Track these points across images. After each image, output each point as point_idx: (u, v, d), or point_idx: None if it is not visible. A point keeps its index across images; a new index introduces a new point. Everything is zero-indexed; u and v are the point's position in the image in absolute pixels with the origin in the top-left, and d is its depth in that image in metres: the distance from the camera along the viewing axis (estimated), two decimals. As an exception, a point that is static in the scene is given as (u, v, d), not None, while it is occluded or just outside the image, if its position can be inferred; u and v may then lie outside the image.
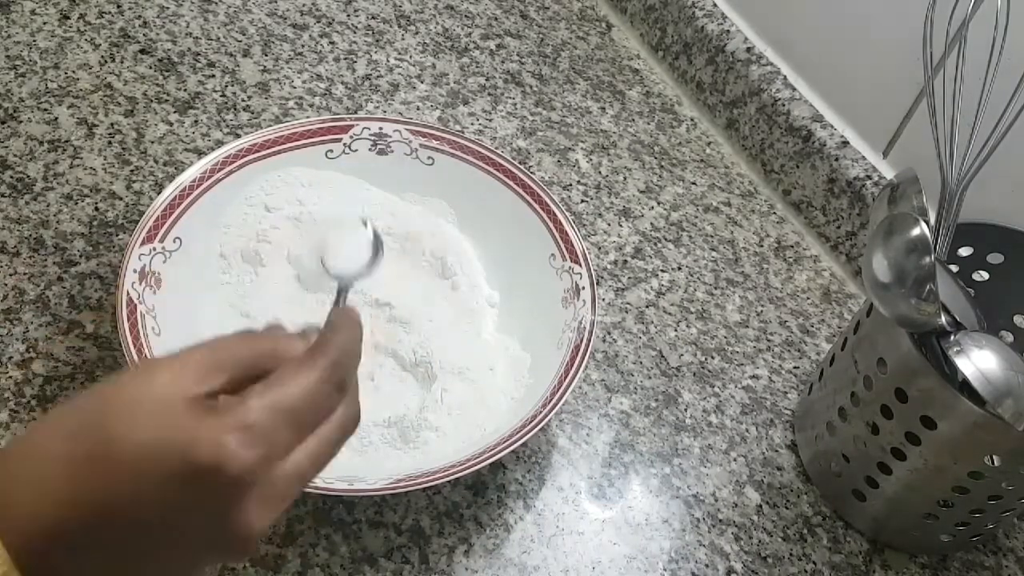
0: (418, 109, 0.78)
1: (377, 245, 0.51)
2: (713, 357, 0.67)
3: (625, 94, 0.85)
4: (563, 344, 0.57)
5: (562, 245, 0.62)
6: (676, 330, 0.68)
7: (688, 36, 0.85)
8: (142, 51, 0.76)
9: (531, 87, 0.83)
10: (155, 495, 0.31)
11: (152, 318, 0.54)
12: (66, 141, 0.68)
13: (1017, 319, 0.60)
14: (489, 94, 0.81)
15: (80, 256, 0.62)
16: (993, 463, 0.52)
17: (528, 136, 0.78)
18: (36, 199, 0.64)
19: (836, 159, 0.73)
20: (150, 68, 0.75)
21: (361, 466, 0.53)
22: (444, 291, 0.62)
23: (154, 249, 0.56)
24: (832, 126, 0.75)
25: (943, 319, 0.50)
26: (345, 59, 0.80)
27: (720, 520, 0.59)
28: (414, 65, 0.81)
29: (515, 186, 0.64)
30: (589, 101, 0.83)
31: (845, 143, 0.74)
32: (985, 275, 0.60)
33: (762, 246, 0.76)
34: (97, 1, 0.78)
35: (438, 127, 0.67)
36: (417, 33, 0.85)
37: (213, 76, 0.75)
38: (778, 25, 0.79)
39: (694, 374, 0.66)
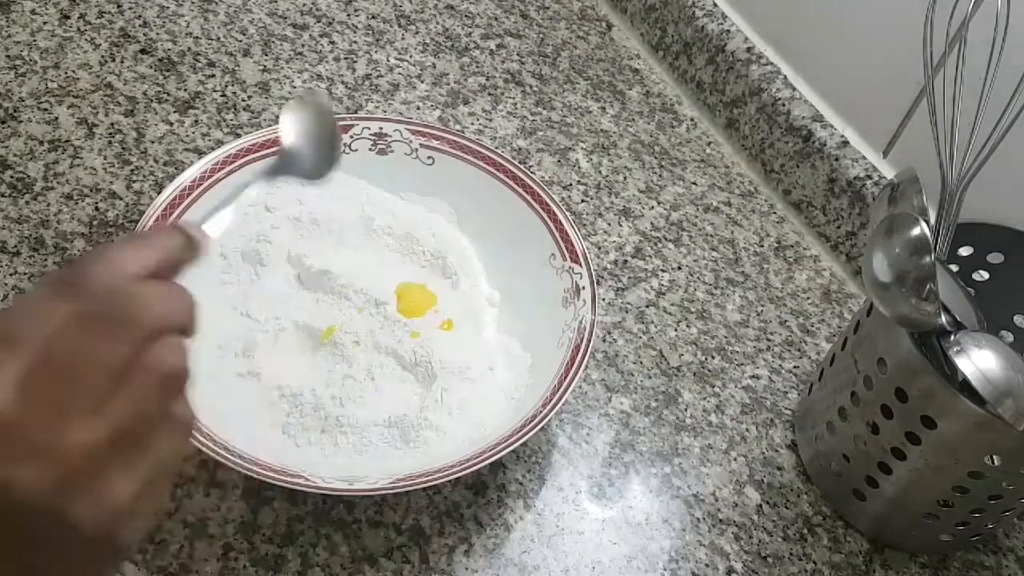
0: (418, 109, 0.78)
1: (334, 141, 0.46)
2: (713, 357, 0.67)
3: (625, 94, 0.85)
4: (563, 344, 0.57)
5: (562, 245, 0.62)
6: (676, 330, 0.68)
7: (688, 36, 0.85)
8: (142, 51, 0.76)
9: (531, 87, 0.83)
10: None
11: (152, 318, 0.54)
12: (66, 141, 0.68)
13: (1017, 319, 0.60)
14: (489, 94, 0.81)
15: (80, 256, 0.62)
16: (993, 463, 0.52)
17: (528, 136, 0.78)
18: (36, 199, 0.64)
19: (836, 159, 0.73)
20: (150, 68, 0.75)
21: (361, 466, 0.53)
22: (444, 291, 0.62)
23: (154, 249, 0.56)
24: (832, 126, 0.75)
25: (943, 319, 0.50)
26: (345, 59, 0.80)
27: (720, 520, 0.59)
28: (414, 65, 0.81)
29: (515, 186, 0.64)
30: (589, 101, 0.83)
31: (845, 143, 0.74)
32: (985, 275, 0.60)
33: (762, 246, 0.76)
34: (97, 1, 0.78)
35: (438, 127, 0.67)
36: (417, 33, 0.85)
37: (213, 76, 0.75)
38: (778, 25, 0.79)
39: (694, 374, 0.66)
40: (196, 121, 0.72)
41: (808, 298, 0.73)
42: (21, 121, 0.68)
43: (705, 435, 0.63)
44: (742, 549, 0.58)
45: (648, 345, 0.67)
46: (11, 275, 0.60)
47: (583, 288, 0.59)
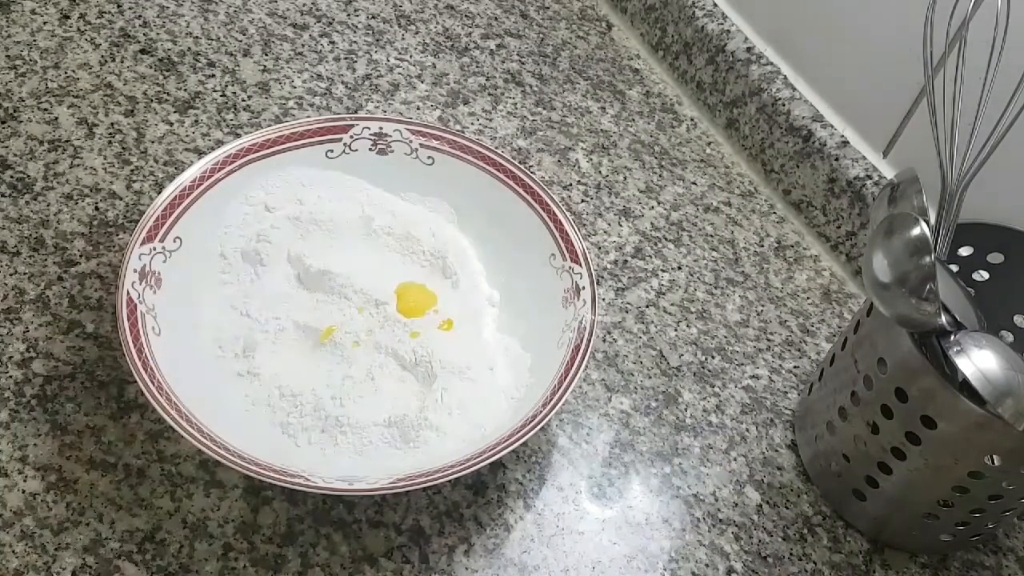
0: (418, 109, 0.78)
1: None
2: (713, 357, 0.67)
3: (625, 94, 0.85)
4: (563, 344, 0.57)
5: (562, 245, 0.62)
6: (676, 330, 0.68)
7: (688, 36, 0.85)
8: (142, 51, 0.76)
9: (531, 87, 0.83)
10: None
11: (152, 318, 0.54)
12: (66, 141, 0.68)
13: (1017, 319, 0.60)
14: (489, 94, 0.81)
15: (80, 256, 0.62)
16: (993, 463, 0.52)
17: (528, 136, 0.78)
18: (36, 199, 0.64)
19: (836, 159, 0.73)
20: (150, 68, 0.75)
21: (361, 466, 0.53)
22: (444, 291, 0.62)
23: (154, 249, 0.56)
24: (832, 126, 0.75)
25: (943, 319, 0.50)
26: (345, 59, 0.80)
27: (720, 520, 0.59)
28: (414, 65, 0.81)
29: (515, 186, 0.64)
30: (589, 101, 0.83)
31: (845, 143, 0.74)
32: (985, 275, 0.60)
33: (762, 246, 0.76)
34: (97, 1, 0.78)
35: (438, 127, 0.67)
36: (417, 33, 0.85)
37: (213, 76, 0.75)
38: (778, 25, 0.79)
39: (694, 374, 0.66)
40: (196, 121, 0.72)
41: (808, 298, 0.73)
42: (21, 121, 0.68)
43: (705, 435, 0.63)
44: (742, 549, 0.58)
45: (648, 345, 0.67)
46: (11, 275, 0.60)
47: (583, 288, 0.59)
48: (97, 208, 0.65)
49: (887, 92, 0.70)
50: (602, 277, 0.70)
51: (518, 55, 0.86)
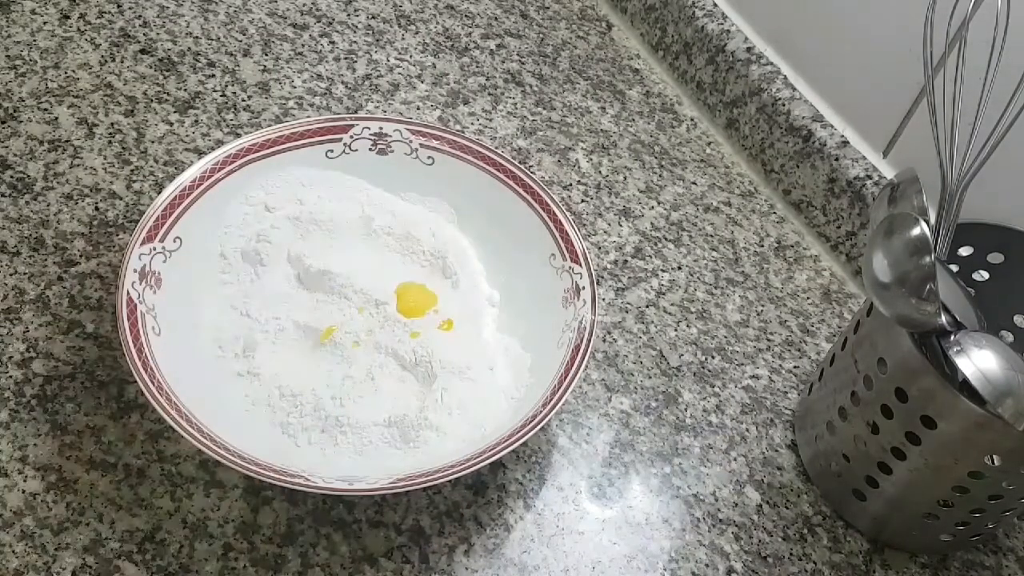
0: (418, 109, 0.78)
1: None
2: (713, 357, 0.67)
3: (625, 94, 0.85)
4: (563, 344, 0.57)
5: (562, 245, 0.62)
6: (676, 330, 0.68)
7: (688, 36, 0.85)
8: (142, 51, 0.76)
9: (531, 87, 0.83)
10: None
11: (152, 318, 0.54)
12: (66, 141, 0.68)
13: (1017, 319, 0.60)
14: (489, 94, 0.81)
15: (80, 256, 0.62)
16: (993, 463, 0.52)
17: (528, 136, 0.78)
18: (36, 199, 0.64)
19: (836, 159, 0.73)
20: (150, 68, 0.75)
21: (361, 466, 0.53)
22: (444, 291, 0.62)
23: (154, 249, 0.56)
24: (832, 126, 0.75)
25: (943, 319, 0.50)
26: (345, 59, 0.80)
27: (720, 520, 0.59)
28: (414, 65, 0.82)
29: (515, 186, 0.64)
30: (589, 101, 0.83)
31: (845, 143, 0.74)
32: (985, 275, 0.60)
33: (762, 246, 0.76)
34: (97, 1, 0.78)
35: (438, 127, 0.67)
36: (417, 33, 0.85)
37: (213, 76, 0.75)
38: (778, 25, 0.79)
39: (694, 374, 0.66)
40: (196, 121, 0.72)
41: (808, 298, 0.73)
42: (21, 121, 0.68)
43: (705, 435, 0.63)
44: (742, 549, 0.58)
45: (648, 345, 0.67)
46: (11, 275, 0.60)
47: (583, 288, 0.59)
48: (97, 208, 0.65)
49: (887, 92, 0.70)
50: (602, 277, 0.70)
51: (518, 55, 0.86)
